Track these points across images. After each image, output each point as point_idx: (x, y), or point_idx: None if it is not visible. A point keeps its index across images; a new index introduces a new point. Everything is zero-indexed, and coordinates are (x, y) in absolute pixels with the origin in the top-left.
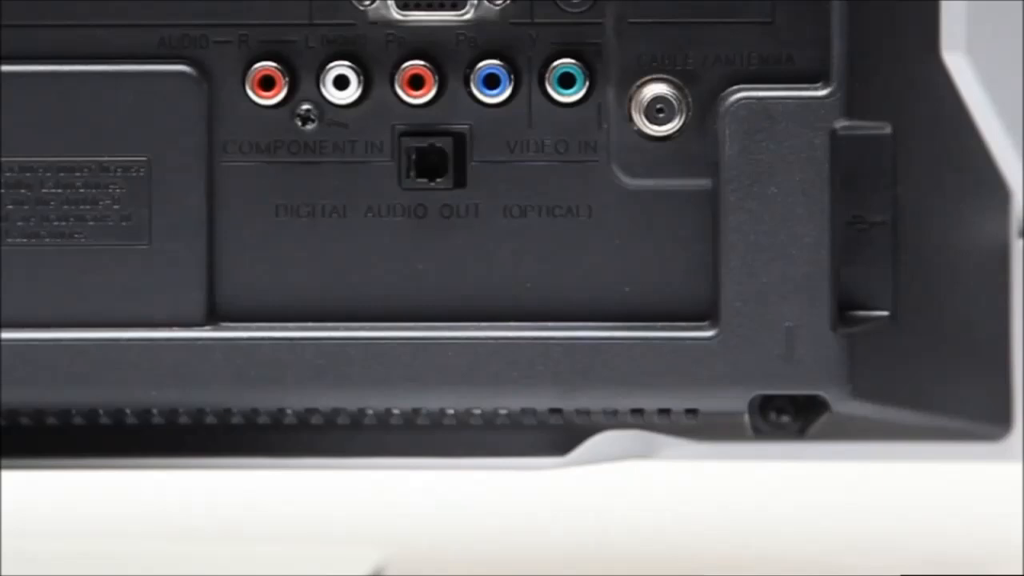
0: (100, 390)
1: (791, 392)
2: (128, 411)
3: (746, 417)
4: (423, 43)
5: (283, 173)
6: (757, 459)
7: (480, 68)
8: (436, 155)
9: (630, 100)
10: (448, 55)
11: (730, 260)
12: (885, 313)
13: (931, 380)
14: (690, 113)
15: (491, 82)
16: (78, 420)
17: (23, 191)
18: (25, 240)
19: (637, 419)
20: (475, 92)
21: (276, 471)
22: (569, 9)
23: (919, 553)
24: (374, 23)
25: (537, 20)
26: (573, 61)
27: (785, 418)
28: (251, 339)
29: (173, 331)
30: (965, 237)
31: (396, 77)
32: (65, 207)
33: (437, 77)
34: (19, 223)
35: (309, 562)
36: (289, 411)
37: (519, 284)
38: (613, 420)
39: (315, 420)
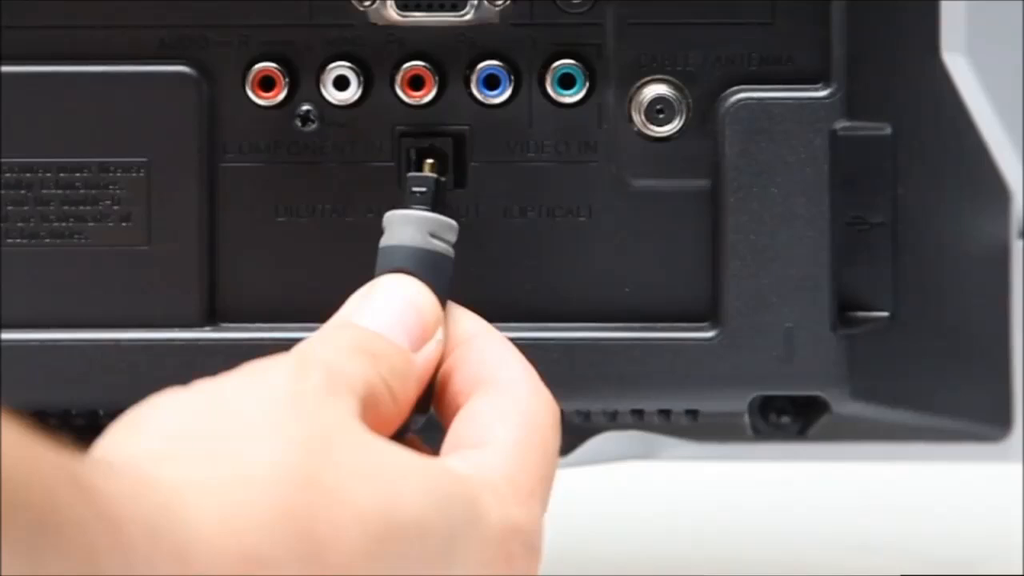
0: (100, 390)
1: (791, 393)
2: None
3: (746, 417)
4: (423, 44)
5: (283, 173)
6: (757, 459)
7: (480, 69)
8: (436, 156)
9: (630, 101)
10: (448, 56)
11: (730, 260)
12: (885, 314)
13: (931, 381)
14: (690, 113)
15: (491, 83)
16: (78, 420)
17: (23, 191)
18: (25, 240)
19: (637, 420)
20: (475, 93)
21: None
22: (569, 10)
23: (919, 553)
24: (374, 24)
25: (537, 21)
26: (573, 62)
27: (785, 418)
28: (251, 339)
29: (173, 331)
30: (965, 237)
31: (396, 78)
32: (65, 208)
33: (437, 78)
34: (19, 223)
35: None
36: None
37: (519, 284)
38: (613, 421)
39: None
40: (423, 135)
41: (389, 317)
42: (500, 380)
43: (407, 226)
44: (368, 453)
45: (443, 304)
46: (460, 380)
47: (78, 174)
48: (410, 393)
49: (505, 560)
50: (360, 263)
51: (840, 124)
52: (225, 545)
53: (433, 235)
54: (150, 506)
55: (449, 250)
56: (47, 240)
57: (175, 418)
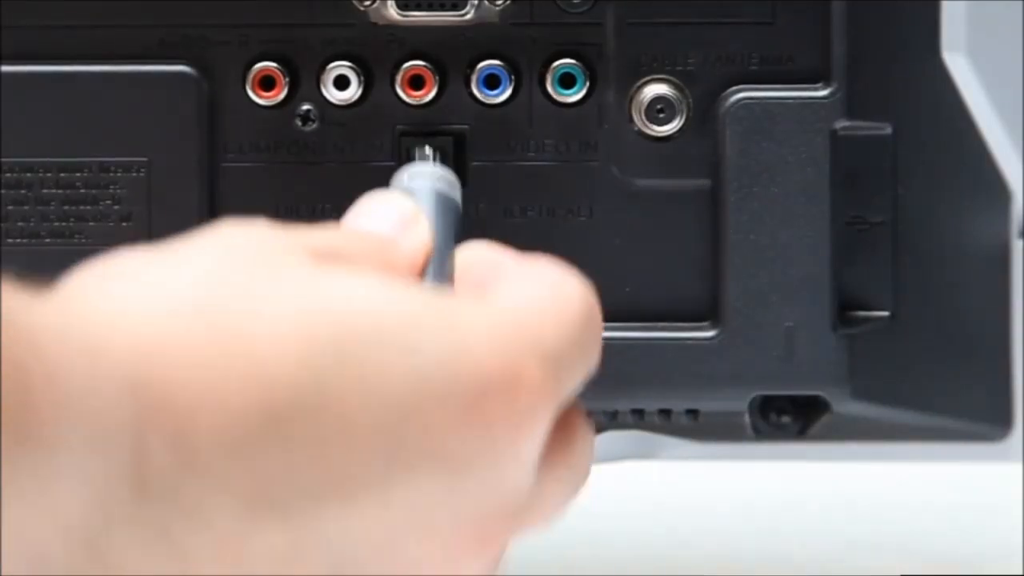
0: None
1: (791, 392)
2: None
3: (746, 417)
4: (423, 44)
5: (283, 173)
6: (757, 459)
7: (480, 68)
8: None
9: (630, 100)
10: (448, 56)
11: (730, 260)
12: (885, 313)
13: (931, 380)
14: (690, 113)
15: (491, 82)
16: None
17: (23, 191)
18: (25, 240)
19: (637, 420)
20: (475, 92)
21: None
22: (569, 10)
23: (919, 553)
24: (374, 24)
25: (537, 21)
26: (573, 61)
27: (785, 418)
28: None
29: None
30: (965, 237)
31: (396, 77)
32: (65, 207)
33: (437, 77)
34: (19, 223)
35: None
36: None
37: None
38: (613, 421)
39: None
40: (423, 135)
41: (367, 214)
42: (525, 262)
43: (401, 174)
44: (303, 269)
45: (452, 242)
46: (477, 271)
47: (78, 174)
48: (402, 266)
49: (479, 414)
50: None
51: (840, 124)
52: (135, 335)
53: (434, 179)
54: (59, 315)
55: (451, 192)
56: (47, 240)
57: (122, 261)
